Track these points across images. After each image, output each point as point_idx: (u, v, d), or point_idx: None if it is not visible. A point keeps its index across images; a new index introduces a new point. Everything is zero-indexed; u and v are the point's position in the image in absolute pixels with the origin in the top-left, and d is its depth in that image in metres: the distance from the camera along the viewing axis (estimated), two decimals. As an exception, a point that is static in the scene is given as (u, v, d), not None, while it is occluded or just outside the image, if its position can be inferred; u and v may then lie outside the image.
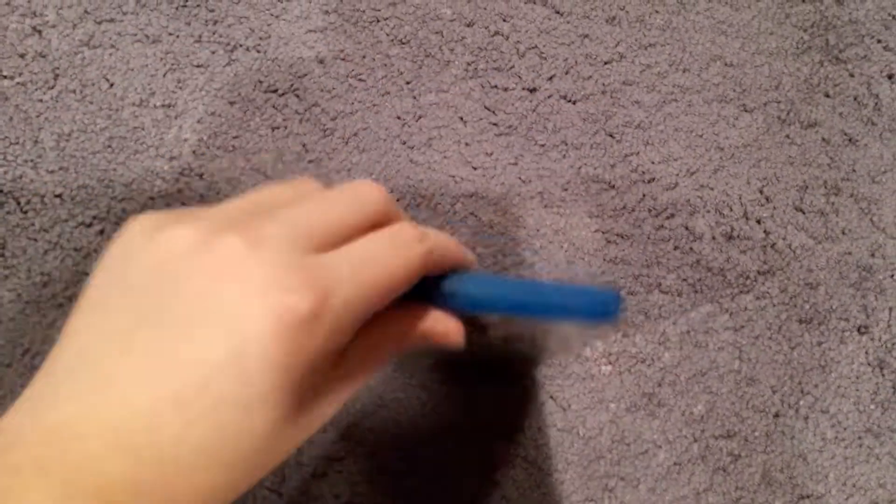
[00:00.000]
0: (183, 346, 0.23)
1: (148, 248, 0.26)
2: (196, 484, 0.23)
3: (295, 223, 0.26)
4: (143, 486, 0.22)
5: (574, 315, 0.34)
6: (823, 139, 0.51)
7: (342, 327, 0.26)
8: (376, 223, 0.29)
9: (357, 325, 0.27)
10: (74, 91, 0.50)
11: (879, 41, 0.53)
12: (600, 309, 0.33)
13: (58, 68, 0.50)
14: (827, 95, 0.52)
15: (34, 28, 0.50)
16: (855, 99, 0.52)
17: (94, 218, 0.47)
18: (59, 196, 0.48)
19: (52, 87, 0.50)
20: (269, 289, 0.24)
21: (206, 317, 0.24)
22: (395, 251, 0.27)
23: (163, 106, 0.50)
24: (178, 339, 0.24)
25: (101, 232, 0.47)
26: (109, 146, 0.49)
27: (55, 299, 0.46)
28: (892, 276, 0.48)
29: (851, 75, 0.52)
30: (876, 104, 0.52)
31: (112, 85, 0.50)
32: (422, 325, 0.32)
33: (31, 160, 0.48)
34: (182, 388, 0.23)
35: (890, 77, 0.52)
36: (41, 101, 0.49)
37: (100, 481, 0.22)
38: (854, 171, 0.50)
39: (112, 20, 0.51)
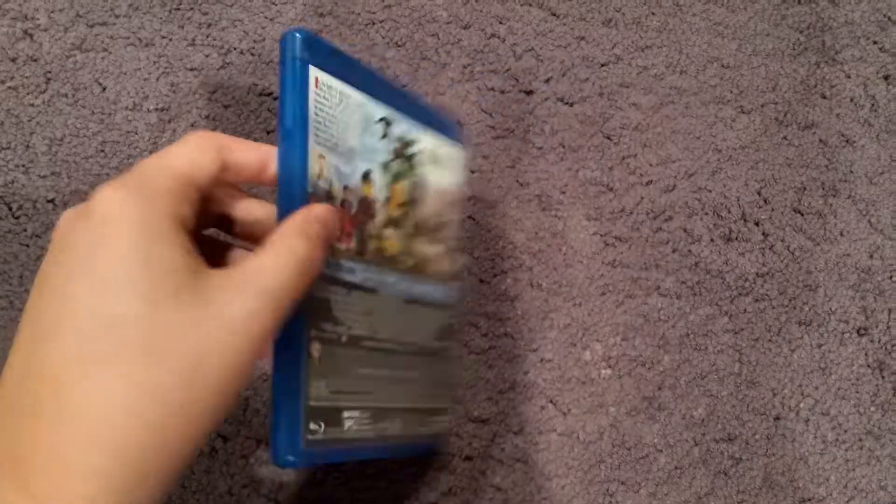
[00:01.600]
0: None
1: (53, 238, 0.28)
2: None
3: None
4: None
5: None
6: (821, 140, 0.51)
7: (155, 198, 0.27)
8: None
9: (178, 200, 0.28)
10: (66, 95, 0.49)
11: (875, 42, 0.53)
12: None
13: (49, 72, 0.49)
14: (823, 97, 0.52)
15: (25, 31, 0.50)
16: (851, 100, 0.52)
17: (88, 223, 0.47)
18: (51, 201, 0.47)
19: (44, 91, 0.49)
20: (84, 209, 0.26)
21: (57, 260, 0.26)
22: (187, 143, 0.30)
23: (156, 110, 0.49)
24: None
25: (95, 237, 0.47)
26: (102, 151, 0.48)
27: (48, 306, 0.45)
28: (891, 277, 0.48)
29: (848, 77, 0.52)
30: (872, 105, 0.52)
31: (105, 89, 0.49)
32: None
33: (23, 165, 0.48)
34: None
35: (886, 78, 0.52)
36: (33, 105, 0.49)
37: None
38: (851, 172, 0.50)
39: (104, 23, 0.50)
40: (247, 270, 0.27)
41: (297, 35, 0.31)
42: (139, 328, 0.24)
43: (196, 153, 0.29)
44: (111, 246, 0.25)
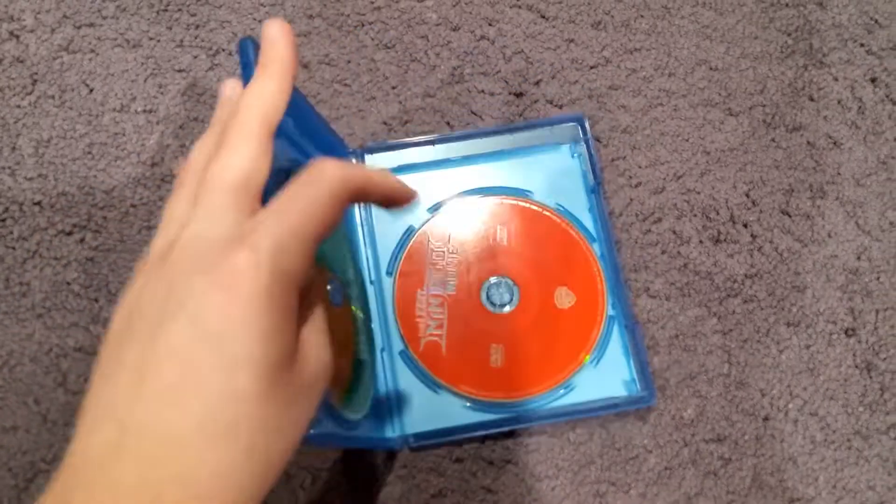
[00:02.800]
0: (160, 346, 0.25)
1: (130, 290, 0.28)
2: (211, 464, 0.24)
3: (223, 198, 0.27)
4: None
5: None
6: (808, 143, 0.51)
7: (285, 267, 0.26)
8: None
9: (303, 263, 0.27)
10: (53, 97, 0.49)
11: (862, 45, 0.53)
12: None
13: (36, 73, 0.49)
14: (811, 99, 0.52)
15: (11, 33, 0.50)
16: (839, 102, 0.52)
17: (75, 226, 0.47)
18: (37, 204, 0.47)
19: (31, 93, 0.49)
20: (213, 266, 0.25)
21: (173, 315, 0.25)
22: (311, 183, 0.28)
23: (144, 111, 0.49)
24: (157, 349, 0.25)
25: (82, 240, 0.46)
26: (90, 152, 0.48)
27: (34, 310, 0.45)
28: (878, 278, 0.49)
29: (835, 79, 0.52)
30: (860, 107, 0.52)
31: (92, 90, 0.49)
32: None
33: (9, 167, 0.47)
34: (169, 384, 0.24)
35: (873, 80, 0.53)
36: (19, 106, 0.48)
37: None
38: (839, 174, 0.51)
39: (91, 24, 0.50)
40: None
41: (251, 42, 0.31)
42: (259, 405, 0.25)
43: (333, 212, 0.28)
44: (244, 325, 0.25)
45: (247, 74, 0.30)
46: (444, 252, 0.47)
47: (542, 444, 0.45)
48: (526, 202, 0.48)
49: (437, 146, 0.49)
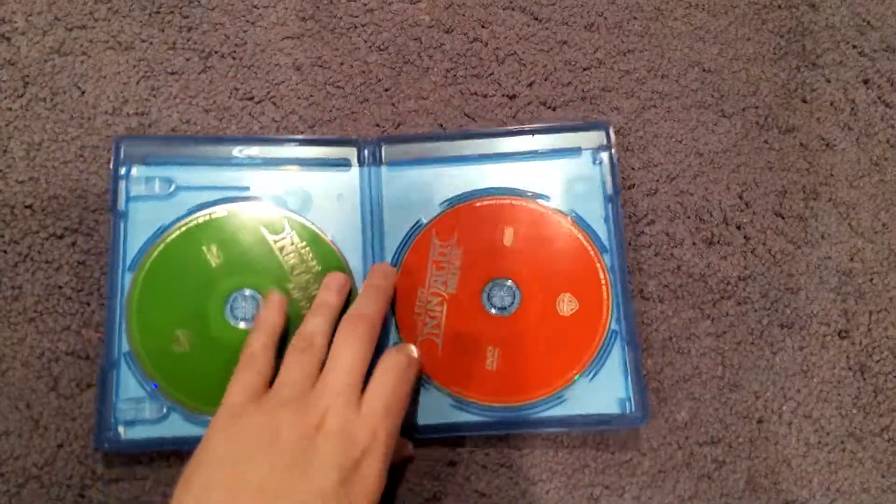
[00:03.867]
0: None
1: (232, 433, 0.36)
2: None
3: (344, 385, 0.37)
4: None
5: None
6: (801, 144, 0.51)
7: (390, 453, 0.37)
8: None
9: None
10: (45, 99, 0.48)
11: (854, 46, 0.53)
12: None
13: (27, 76, 0.49)
14: (804, 101, 0.52)
15: (2, 35, 0.49)
16: (832, 104, 0.52)
17: (66, 229, 0.46)
18: (29, 207, 0.47)
19: (22, 96, 0.48)
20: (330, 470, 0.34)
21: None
22: (402, 379, 0.39)
23: (136, 114, 0.49)
24: None
25: (74, 244, 0.46)
26: (81, 155, 0.48)
27: (26, 313, 0.45)
28: (872, 280, 0.49)
29: (828, 80, 0.52)
30: (852, 109, 0.52)
31: (84, 93, 0.49)
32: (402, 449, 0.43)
33: (0, 170, 0.47)
34: None
35: (865, 82, 0.53)
36: (10, 109, 0.48)
37: None
38: (832, 175, 0.51)
39: (83, 27, 0.50)
40: None
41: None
42: None
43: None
44: None
45: None
46: (448, 249, 0.47)
47: (536, 448, 0.45)
48: (539, 206, 0.47)
49: (456, 142, 0.48)
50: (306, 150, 0.48)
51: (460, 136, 0.49)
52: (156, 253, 0.45)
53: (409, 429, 0.43)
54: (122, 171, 0.46)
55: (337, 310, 0.42)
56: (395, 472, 0.43)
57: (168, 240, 0.45)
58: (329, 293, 0.43)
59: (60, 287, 0.45)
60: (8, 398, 0.44)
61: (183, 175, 0.46)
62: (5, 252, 0.46)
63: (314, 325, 0.40)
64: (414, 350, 0.42)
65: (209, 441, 0.35)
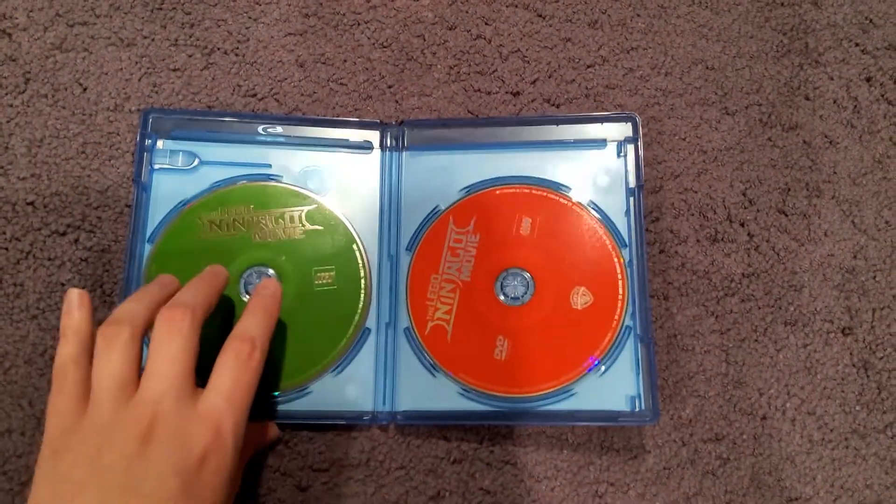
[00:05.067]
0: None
1: (55, 474, 0.33)
2: None
3: (170, 385, 0.34)
4: None
5: None
6: (804, 142, 0.51)
7: (240, 444, 0.35)
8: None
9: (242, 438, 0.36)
10: (46, 95, 0.48)
11: (857, 44, 0.53)
12: None
13: (29, 72, 0.48)
14: (807, 98, 0.52)
15: (3, 31, 0.49)
16: (834, 102, 0.52)
17: (68, 226, 0.46)
18: (31, 204, 0.46)
19: (23, 92, 0.48)
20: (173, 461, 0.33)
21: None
22: (244, 367, 0.36)
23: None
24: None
25: (76, 241, 0.46)
26: (83, 152, 0.47)
27: (28, 311, 0.45)
28: (875, 277, 0.49)
29: (831, 78, 0.52)
30: (855, 107, 0.52)
31: (85, 89, 0.49)
32: (264, 435, 0.43)
33: (2, 167, 0.47)
34: None
35: (868, 80, 0.53)
36: (11, 105, 0.48)
37: None
38: (835, 173, 0.51)
39: (85, 23, 0.50)
40: None
41: None
42: None
43: None
44: None
45: None
46: (465, 236, 0.46)
47: (540, 445, 0.45)
48: (559, 196, 0.47)
49: (478, 129, 0.48)
50: (329, 131, 0.48)
51: (484, 123, 0.49)
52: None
53: (415, 416, 0.44)
54: (148, 143, 0.46)
55: (164, 294, 0.38)
56: (261, 457, 0.43)
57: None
58: (154, 284, 0.39)
59: (63, 284, 0.45)
60: (10, 396, 0.43)
61: (207, 150, 0.47)
62: (7, 249, 0.45)
63: (124, 310, 0.36)
64: (258, 326, 0.38)
65: (35, 491, 0.32)
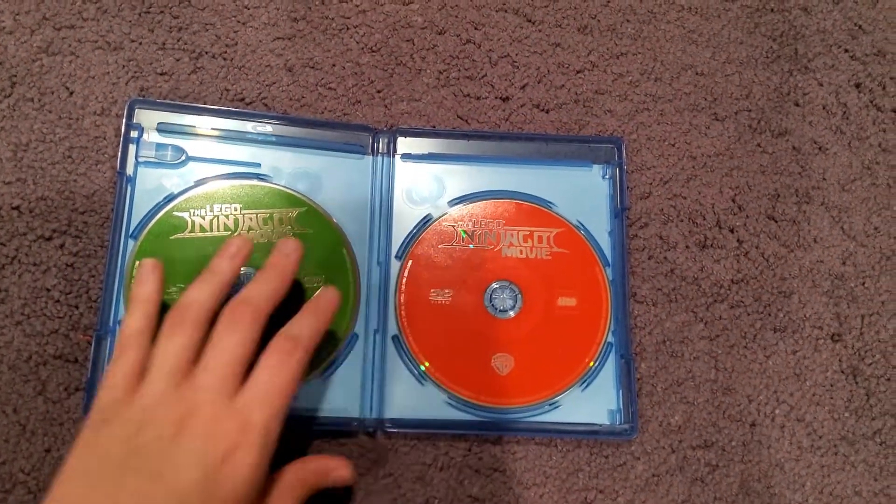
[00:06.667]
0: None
1: (96, 444, 0.33)
2: None
3: (216, 379, 0.35)
4: None
5: None
6: (794, 148, 0.51)
7: (269, 443, 0.35)
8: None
9: (277, 438, 0.35)
10: (32, 99, 0.48)
11: (846, 51, 0.53)
12: None
13: (15, 76, 0.48)
14: (796, 104, 0.52)
15: (-11, 34, 0.49)
16: (824, 108, 0.52)
17: (54, 231, 0.46)
18: (16, 208, 0.46)
19: (9, 96, 0.48)
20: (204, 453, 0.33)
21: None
22: (283, 366, 0.36)
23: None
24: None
25: (62, 246, 0.45)
26: (69, 156, 0.47)
27: (13, 317, 0.44)
28: (864, 283, 0.49)
29: (820, 84, 0.53)
30: (844, 113, 0.52)
31: (72, 93, 0.48)
32: (319, 470, 0.40)
33: (-13, 171, 0.46)
34: None
35: (857, 86, 0.53)
36: (-3, 109, 0.47)
37: None
38: (824, 179, 0.51)
39: (72, 26, 0.49)
40: None
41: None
42: None
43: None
44: None
45: None
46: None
47: (529, 452, 0.45)
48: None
49: (471, 141, 0.48)
50: (321, 132, 0.48)
51: (476, 136, 0.49)
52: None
53: (402, 424, 0.44)
54: (134, 134, 0.46)
55: (227, 280, 0.39)
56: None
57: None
58: (221, 261, 0.39)
59: (48, 290, 0.45)
60: (-6, 403, 0.43)
61: (195, 146, 0.47)
62: (-8, 254, 0.45)
63: (193, 296, 0.37)
64: (307, 327, 0.38)
65: (71, 458, 0.33)
